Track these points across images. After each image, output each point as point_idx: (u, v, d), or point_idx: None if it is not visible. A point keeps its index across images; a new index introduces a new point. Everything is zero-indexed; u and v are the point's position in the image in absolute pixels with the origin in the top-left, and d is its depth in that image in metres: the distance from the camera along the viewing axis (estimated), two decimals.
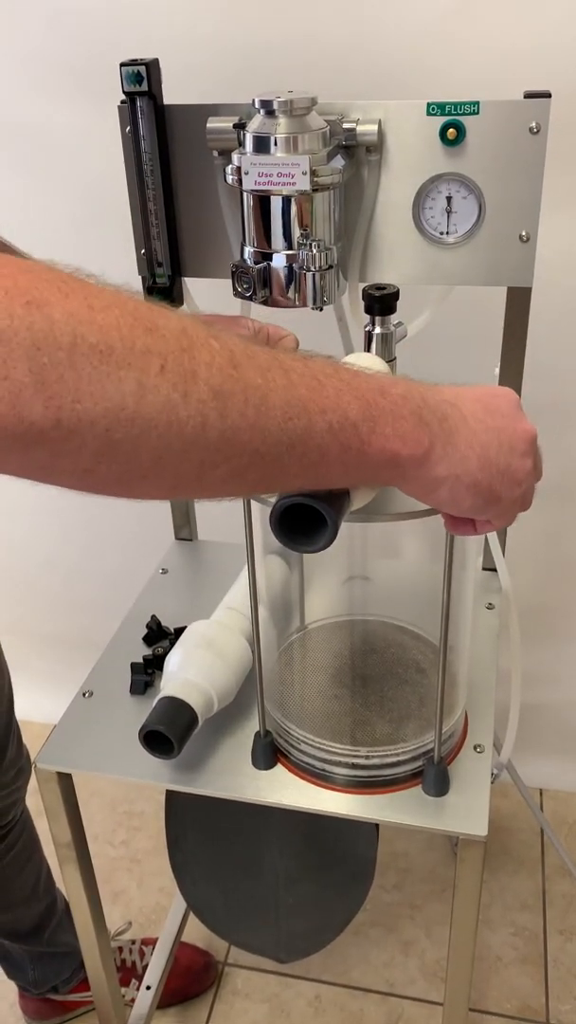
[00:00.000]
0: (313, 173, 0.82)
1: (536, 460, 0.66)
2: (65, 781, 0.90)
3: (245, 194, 0.85)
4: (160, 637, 1.03)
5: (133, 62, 0.89)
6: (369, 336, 0.82)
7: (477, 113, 0.85)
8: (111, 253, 0.91)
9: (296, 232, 0.86)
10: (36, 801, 0.99)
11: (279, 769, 0.87)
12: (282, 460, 0.52)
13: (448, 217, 0.90)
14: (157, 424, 0.46)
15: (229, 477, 0.51)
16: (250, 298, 0.89)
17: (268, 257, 0.87)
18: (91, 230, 1.27)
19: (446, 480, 0.59)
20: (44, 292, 0.42)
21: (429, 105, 0.85)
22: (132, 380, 0.44)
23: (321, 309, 0.88)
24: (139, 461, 0.47)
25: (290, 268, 0.87)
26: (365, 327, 0.82)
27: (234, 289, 0.90)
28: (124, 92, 0.91)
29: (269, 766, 0.87)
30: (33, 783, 1.18)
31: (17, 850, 1.22)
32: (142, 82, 0.90)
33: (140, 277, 1.00)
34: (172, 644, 0.93)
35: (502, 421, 0.62)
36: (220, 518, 1.14)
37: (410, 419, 0.56)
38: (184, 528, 1.23)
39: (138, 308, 0.46)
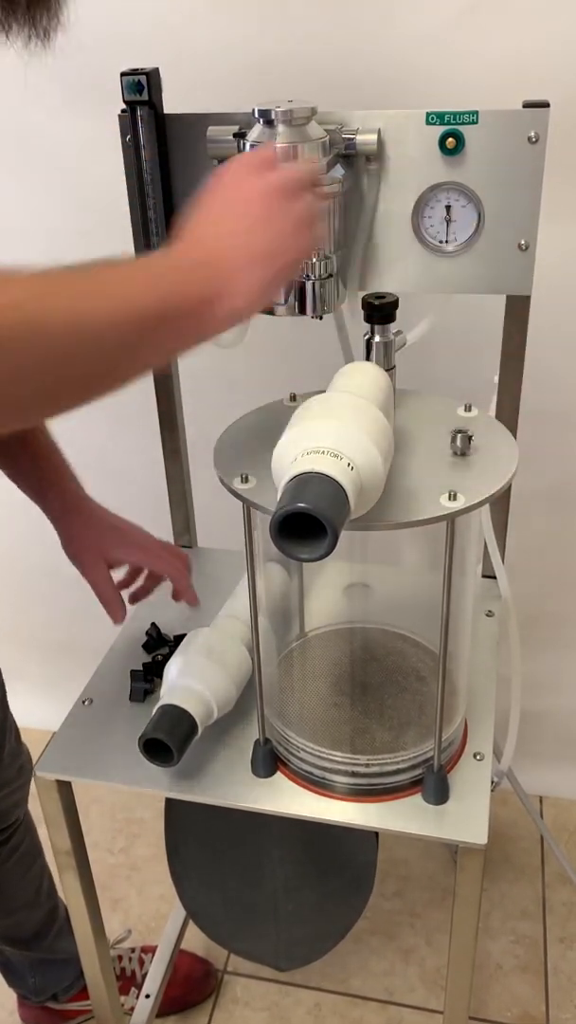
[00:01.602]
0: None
1: (298, 202, 0.68)
2: (65, 789, 0.90)
3: None
4: (160, 644, 1.03)
5: (134, 71, 0.90)
6: (369, 345, 0.82)
7: (476, 122, 0.85)
8: None
9: None
10: (35, 808, 0.98)
11: (279, 777, 0.87)
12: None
13: (447, 226, 0.90)
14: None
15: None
16: None
17: None
18: (92, 238, 1.26)
19: (243, 310, 0.65)
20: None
21: (428, 114, 0.86)
22: None
23: (321, 318, 0.88)
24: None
25: None
26: (365, 336, 0.82)
27: None
28: (124, 101, 0.91)
29: (269, 774, 0.87)
30: (33, 790, 1.19)
31: (21, 853, 1.22)
32: (142, 91, 0.90)
33: None
34: (172, 651, 0.93)
35: (243, 207, 0.67)
36: (220, 526, 1.15)
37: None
38: (184, 535, 1.23)
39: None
